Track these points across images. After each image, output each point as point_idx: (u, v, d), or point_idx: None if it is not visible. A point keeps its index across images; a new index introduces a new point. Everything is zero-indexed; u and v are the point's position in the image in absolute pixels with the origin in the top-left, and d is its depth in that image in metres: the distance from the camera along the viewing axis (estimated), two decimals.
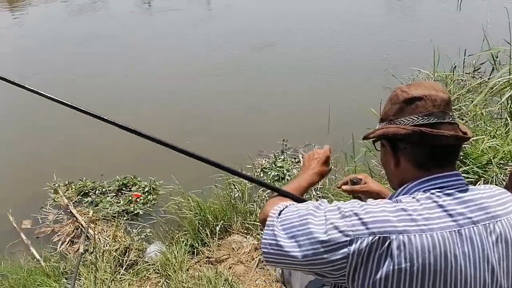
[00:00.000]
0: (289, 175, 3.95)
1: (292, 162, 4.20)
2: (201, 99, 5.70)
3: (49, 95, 1.53)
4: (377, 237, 0.93)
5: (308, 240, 0.99)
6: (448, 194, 0.99)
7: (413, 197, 1.03)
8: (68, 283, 2.81)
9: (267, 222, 1.11)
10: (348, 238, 0.95)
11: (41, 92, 1.54)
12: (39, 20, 9.70)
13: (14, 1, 11.23)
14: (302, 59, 6.66)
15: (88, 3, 10.73)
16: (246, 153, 4.24)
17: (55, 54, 7.55)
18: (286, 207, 1.13)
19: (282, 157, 4.28)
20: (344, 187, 1.63)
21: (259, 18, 8.87)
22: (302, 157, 4.25)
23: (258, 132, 4.86)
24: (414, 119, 1.05)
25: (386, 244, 0.92)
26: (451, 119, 1.05)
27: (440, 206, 0.97)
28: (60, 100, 1.52)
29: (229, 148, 4.51)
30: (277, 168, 4.04)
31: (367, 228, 0.95)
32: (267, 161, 4.24)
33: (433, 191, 1.01)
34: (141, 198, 3.87)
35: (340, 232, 0.97)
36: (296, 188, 1.40)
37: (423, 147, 1.04)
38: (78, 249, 3.34)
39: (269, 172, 4.03)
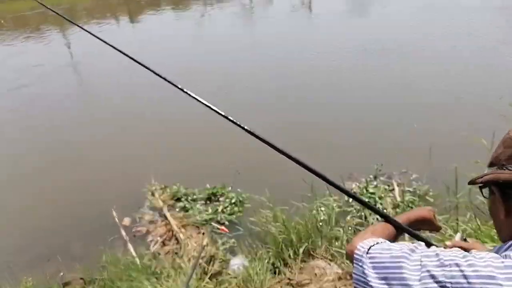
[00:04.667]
0: (381, 203, 3.79)
1: (386, 189, 4.02)
2: (295, 110, 5.81)
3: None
4: None
5: (400, 286, 0.93)
6: None
7: None
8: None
9: (354, 256, 1.05)
10: None
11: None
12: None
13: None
14: (411, 77, 6.37)
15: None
16: (337, 174, 4.16)
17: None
18: (377, 243, 1.07)
19: (375, 182, 4.14)
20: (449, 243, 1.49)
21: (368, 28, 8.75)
22: (397, 185, 4.05)
23: (351, 152, 4.75)
24: None
25: None
26: None
27: None
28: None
29: (319, 168, 4.48)
30: (368, 195, 3.91)
31: (469, 283, 0.87)
32: (358, 186, 4.12)
33: None
34: (227, 231, 3.91)
35: (437, 282, 0.89)
36: (404, 219, 1.33)
37: None
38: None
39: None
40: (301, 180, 4.01)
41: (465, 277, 0.87)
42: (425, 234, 2.90)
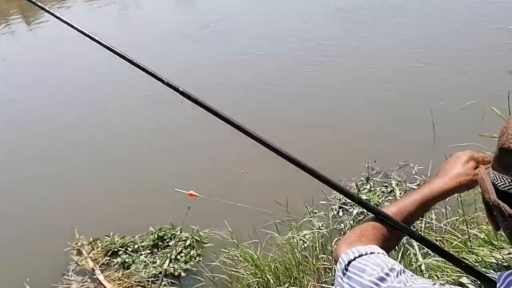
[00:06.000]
0: None
1: (383, 192, 4.06)
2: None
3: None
4: None
5: None
6: None
7: None
8: None
9: (337, 265, 1.10)
10: None
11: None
12: None
13: None
14: (398, 47, 6.51)
15: None
16: (318, 184, 4.15)
17: None
18: (357, 257, 1.10)
19: (368, 186, 4.15)
20: None
21: None
22: (396, 185, 4.07)
23: (336, 154, 4.75)
24: (504, 182, 0.94)
25: None
26: None
27: None
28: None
29: (299, 178, 4.48)
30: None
31: None
32: None
33: None
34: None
35: None
36: (405, 207, 1.21)
37: None
38: None
39: (351, 209, 3.93)
40: (272, 203, 4.01)
41: None
42: None
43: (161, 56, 7.98)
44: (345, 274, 1.08)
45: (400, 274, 1.03)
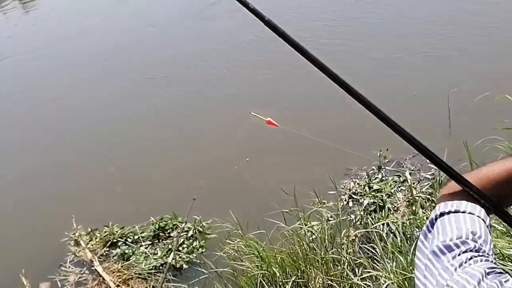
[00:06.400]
0: (390, 202, 3.66)
1: (396, 182, 3.90)
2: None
3: None
4: None
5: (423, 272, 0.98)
6: None
7: None
8: None
9: (431, 215, 1.05)
10: None
11: None
12: None
13: None
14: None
15: None
16: (327, 172, 4.01)
17: None
18: (452, 212, 1.03)
19: (380, 175, 4.01)
20: None
21: None
22: (409, 174, 3.90)
23: (346, 142, 4.59)
24: None
25: None
26: None
27: None
28: None
29: (306, 167, 4.36)
30: (373, 194, 3.77)
31: None
32: (358, 184, 3.99)
33: None
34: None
35: None
36: (495, 176, 1.06)
37: None
38: None
39: (362, 200, 3.78)
40: (278, 192, 3.89)
41: None
42: None
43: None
44: (433, 225, 1.05)
45: (470, 251, 0.96)
